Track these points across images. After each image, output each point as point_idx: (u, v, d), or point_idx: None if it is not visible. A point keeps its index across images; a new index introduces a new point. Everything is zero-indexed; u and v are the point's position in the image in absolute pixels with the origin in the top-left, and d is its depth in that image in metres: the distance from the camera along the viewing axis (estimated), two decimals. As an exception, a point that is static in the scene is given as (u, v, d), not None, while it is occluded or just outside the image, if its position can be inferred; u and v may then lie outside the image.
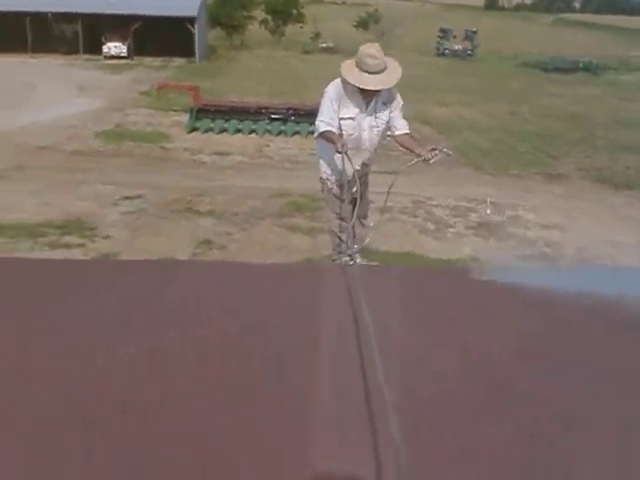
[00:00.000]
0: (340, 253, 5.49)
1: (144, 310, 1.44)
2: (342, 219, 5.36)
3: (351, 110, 4.93)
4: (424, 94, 19.05)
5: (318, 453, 1.02)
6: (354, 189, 5.16)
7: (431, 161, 4.74)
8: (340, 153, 4.69)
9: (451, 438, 1.04)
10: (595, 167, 12.08)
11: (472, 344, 1.39)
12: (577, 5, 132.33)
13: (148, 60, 26.46)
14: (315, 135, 5.20)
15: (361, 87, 4.78)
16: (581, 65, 30.72)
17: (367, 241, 5.62)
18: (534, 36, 50.97)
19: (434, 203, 8.96)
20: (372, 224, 7.10)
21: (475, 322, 1.49)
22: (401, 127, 5.06)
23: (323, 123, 4.88)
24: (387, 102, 4.99)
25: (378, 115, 4.99)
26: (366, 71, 4.71)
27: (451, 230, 8.11)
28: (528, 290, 1.64)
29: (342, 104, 4.91)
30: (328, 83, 5.07)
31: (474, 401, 1.14)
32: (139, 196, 8.71)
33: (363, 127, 4.99)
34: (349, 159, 4.76)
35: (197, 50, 27.50)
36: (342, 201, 5.28)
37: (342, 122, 4.92)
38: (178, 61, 26.65)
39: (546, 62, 31.15)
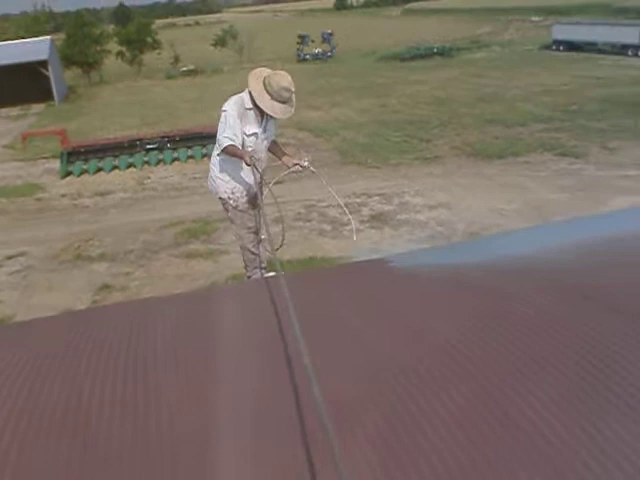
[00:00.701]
0: (255, 268, 5.52)
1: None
2: (254, 232, 5.40)
3: (253, 127, 5.08)
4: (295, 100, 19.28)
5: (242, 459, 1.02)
6: (258, 200, 5.26)
7: (296, 173, 5.26)
8: (249, 165, 4.79)
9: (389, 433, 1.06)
10: (466, 143, 12.67)
11: (405, 332, 1.42)
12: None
13: (5, 111, 25.22)
14: (217, 152, 5.22)
15: (271, 114, 4.96)
16: (435, 50, 32.15)
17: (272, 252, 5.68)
18: (386, 29, 52.85)
19: (325, 204, 9.08)
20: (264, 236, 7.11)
21: (405, 309, 1.53)
22: (273, 136, 5.37)
23: (227, 139, 4.96)
24: (273, 118, 5.17)
25: (267, 128, 5.17)
26: (278, 100, 4.90)
27: (347, 228, 8.26)
28: (445, 270, 1.70)
29: (244, 122, 5.03)
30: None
31: (410, 391, 1.17)
32: (22, 253, 8.29)
33: (260, 141, 5.13)
34: (257, 170, 4.85)
35: (55, 92, 26.50)
36: (251, 214, 5.33)
37: (246, 138, 5.03)
38: (37, 107, 25.56)
39: (403, 52, 32.40)
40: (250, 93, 5.01)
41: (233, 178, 5.24)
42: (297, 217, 8.80)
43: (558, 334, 1.32)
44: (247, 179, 5.18)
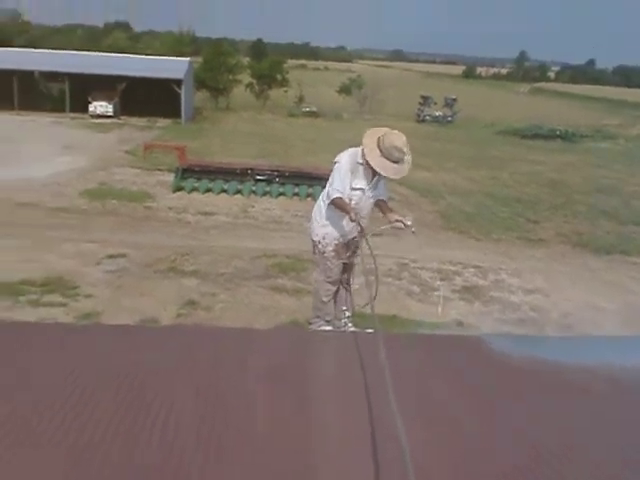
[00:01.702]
0: (318, 317, 5.54)
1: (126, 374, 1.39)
2: (333, 283, 5.43)
3: (361, 182, 5.19)
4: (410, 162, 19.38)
5: None
6: (348, 253, 5.31)
7: (396, 229, 5.18)
8: (353, 221, 4.88)
9: None
10: (575, 232, 12.26)
11: (500, 418, 1.35)
12: (552, 75, 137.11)
13: (134, 120, 26.71)
14: (326, 201, 5.32)
15: (381, 173, 5.00)
16: (558, 133, 31.60)
17: (349, 307, 5.68)
18: (511, 104, 52.51)
19: (419, 265, 8.99)
20: (357, 286, 7.11)
21: (500, 395, 1.45)
22: (383, 195, 5.41)
23: (337, 191, 5.11)
24: (382, 178, 5.22)
25: (376, 187, 5.23)
26: (388, 159, 4.93)
27: (435, 293, 8.11)
28: (547, 362, 1.62)
29: (353, 176, 5.12)
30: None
31: None
32: (122, 255, 8.65)
33: (365, 198, 5.20)
34: (361, 226, 4.91)
35: (183, 111, 27.88)
36: (335, 264, 5.37)
37: (352, 192, 5.13)
38: (164, 122, 26.94)
39: (524, 129, 32.00)
40: (362, 149, 5.08)
41: (330, 224, 5.31)
42: (388, 273, 8.73)
43: None
44: (343, 229, 5.24)
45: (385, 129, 5.16)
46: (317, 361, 1.60)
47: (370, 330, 5.04)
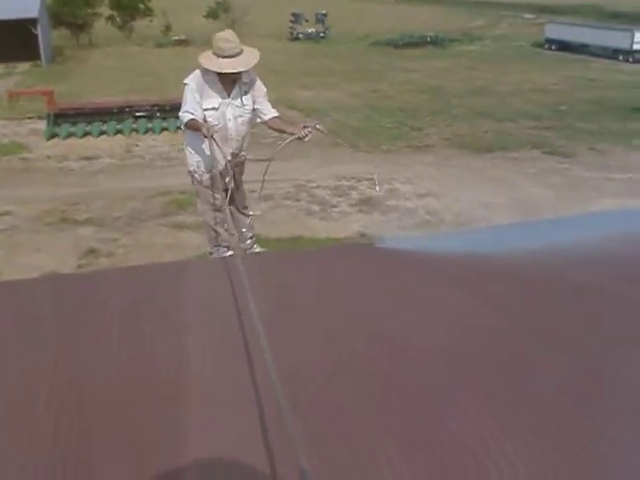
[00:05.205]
0: (216, 246, 5.45)
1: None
2: (217, 210, 5.30)
3: (214, 100, 4.94)
4: (285, 78, 19.19)
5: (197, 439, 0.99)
6: (227, 179, 5.17)
7: (306, 139, 4.87)
8: (206, 137, 4.70)
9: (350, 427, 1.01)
10: (457, 134, 12.75)
11: (376, 319, 1.39)
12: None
13: (-11, 68, 24.71)
14: (182, 127, 5.17)
15: (219, 71, 4.81)
16: (428, 39, 32.10)
17: (251, 230, 5.64)
18: (380, 15, 52.49)
19: (315, 185, 9.10)
20: (258, 212, 7.12)
21: (385, 296, 1.50)
22: (269, 112, 5.17)
23: (187, 113, 4.89)
24: (249, 90, 5.05)
25: (241, 104, 5.03)
26: (222, 55, 4.77)
27: (335, 209, 8.28)
28: (428, 257, 1.70)
29: (204, 95, 4.92)
30: (187, 75, 5.05)
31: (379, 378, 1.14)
32: (8, 212, 8.18)
33: (228, 117, 5.02)
34: (217, 145, 4.76)
35: (42, 52, 25.99)
36: (214, 191, 5.24)
37: (206, 113, 4.92)
38: (23, 66, 25.03)
39: (396, 39, 32.22)
40: (200, 62, 4.88)
41: (198, 152, 5.13)
42: (286, 196, 8.79)
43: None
44: (213, 154, 5.06)
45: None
46: (187, 290, 1.59)
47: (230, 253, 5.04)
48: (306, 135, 4.81)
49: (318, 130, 4.94)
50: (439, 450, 0.95)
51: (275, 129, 5.27)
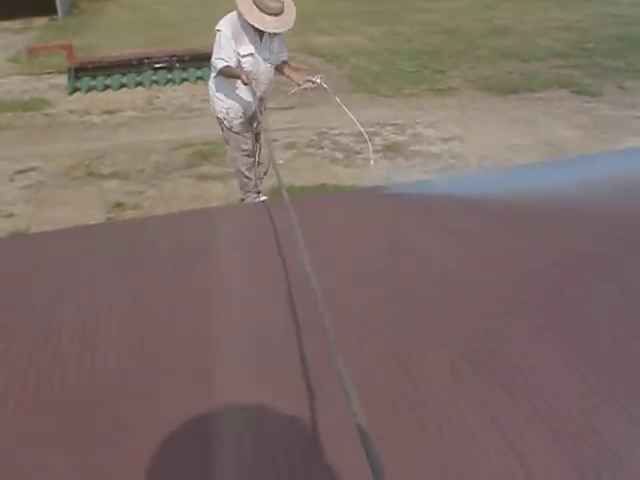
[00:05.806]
0: (248, 192, 5.51)
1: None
2: (248, 155, 5.37)
3: (249, 47, 4.94)
4: (304, 24, 18.76)
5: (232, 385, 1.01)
6: (254, 124, 5.23)
7: (308, 91, 4.97)
8: (246, 84, 4.70)
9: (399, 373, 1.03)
10: (480, 76, 12.46)
11: (418, 259, 1.41)
12: None
13: (6, 24, 24.48)
14: (213, 74, 5.14)
15: (262, 29, 4.76)
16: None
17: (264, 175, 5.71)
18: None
19: (338, 132, 9.01)
20: (281, 161, 7.13)
21: (416, 240, 1.51)
22: (283, 56, 5.22)
23: (222, 60, 4.86)
24: (278, 34, 5.00)
25: (271, 48, 5.04)
26: (267, 13, 4.70)
27: (359, 156, 8.22)
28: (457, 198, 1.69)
29: (238, 41, 4.88)
30: (215, 23, 5.00)
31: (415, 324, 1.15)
32: (33, 168, 8.26)
33: (260, 62, 5.02)
34: (254, 91, 4.77)
35: (59, 6, 25.72)
36: (246, 136, 5.28)
37: (241, 59, 4.91)
38: (40, 21, 24.77)
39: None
40: (238, 9, 4.81)
41: (228, 97, 5.13)
42: (309, 144, 8.73)
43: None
44: (243, 99, 5.07)
45: None
46: (226, 232, 1.61)
47: (264, 198, 5.13)
48: (309, 88, 4.90)
49: (319, 85, 4.94)
50: (505, 380, 0.97)
51: (281, 73, 5.27)
